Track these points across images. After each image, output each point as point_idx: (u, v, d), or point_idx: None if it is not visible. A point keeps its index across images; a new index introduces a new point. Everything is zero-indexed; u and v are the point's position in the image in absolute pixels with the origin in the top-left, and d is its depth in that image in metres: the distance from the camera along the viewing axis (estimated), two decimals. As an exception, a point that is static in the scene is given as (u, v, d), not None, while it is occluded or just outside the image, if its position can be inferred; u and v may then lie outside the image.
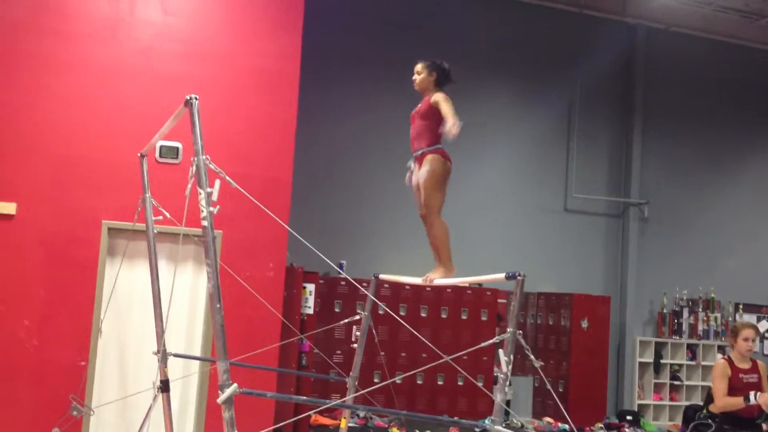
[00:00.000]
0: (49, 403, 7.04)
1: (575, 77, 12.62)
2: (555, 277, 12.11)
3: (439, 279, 5.24)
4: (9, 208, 7.21)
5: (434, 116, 5.20)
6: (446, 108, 5.05)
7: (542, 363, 4.28)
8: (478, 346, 4.30)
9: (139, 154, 6.05)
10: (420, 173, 5.26)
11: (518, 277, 3.97)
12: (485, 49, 12.14)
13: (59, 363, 7.28)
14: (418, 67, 5.56)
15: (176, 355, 6.07)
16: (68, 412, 6.31)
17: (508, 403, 4.04)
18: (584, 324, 11.44)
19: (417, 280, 5.49)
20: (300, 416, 6.23)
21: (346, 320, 6.71)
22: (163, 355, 5.81)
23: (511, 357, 3.95)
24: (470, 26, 12.06)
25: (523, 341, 3.90)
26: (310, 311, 9.36)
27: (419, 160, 5.29)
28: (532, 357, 4.05)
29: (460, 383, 10.29)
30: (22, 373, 7.18)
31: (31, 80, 7.42)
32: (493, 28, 12.21)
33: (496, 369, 10.25)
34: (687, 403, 11.01)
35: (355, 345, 6.53)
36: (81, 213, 7.46)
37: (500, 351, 3.94)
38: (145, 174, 6.15)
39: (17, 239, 7.25)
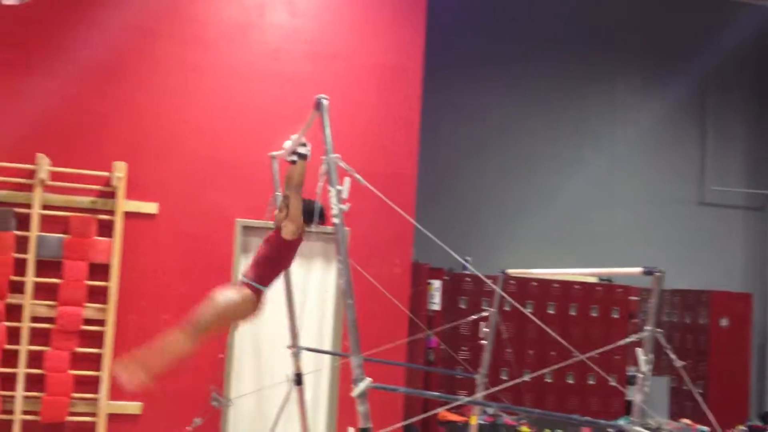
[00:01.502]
0: (190, 394, 7.36)
1: (708, 62, 12.03)
2: (690, 273, 11.58)
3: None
4: (151, 207, 7.60)
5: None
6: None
7: (684, 363, 4.11)
8: (617, 344, 4.18)
9: (269, 154, 6.22)
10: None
11: (656, 273, 3.84)
12: (611, 33, 11.77)
13: (198, 356, 7.52)
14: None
15: (309, 350, 6.21)
16: (209, 403, 6.58)
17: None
18: (723, 322, 10.90)
19: (546, 272, 5.39)
20: (431, 412, 6.25)
21: (475, 316, 6.66)
22: (296, 350, 5.96)
23: (650, 356, 3.82)
24: (595, 11, 11.73)
25: (663, 340, 3.77)
26: (437, 307, 9.36)
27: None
28: (673, 357, 3.90)
29: (591, 382, 10.03)
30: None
31: (167, 85, 7.78)
32: (619, 11, 11.82)
33: (628, 368, 9.92)
34: (839, 408, 10.31)
35: (482, 341, 6.48)
36: (216, 211, 7.76)
37: (639, 350, 3.81)
38: (276, 173, 6.33)
39: (159, 237, 7.62)
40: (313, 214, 4.99)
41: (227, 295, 4.96)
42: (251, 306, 5.01)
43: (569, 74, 11.63)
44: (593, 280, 10.48)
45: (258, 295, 5.02)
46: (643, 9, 11.91)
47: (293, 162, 5.17)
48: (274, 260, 5.14)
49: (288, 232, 5.01)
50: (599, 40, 11.71)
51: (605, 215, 11.54)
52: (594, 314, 10.42)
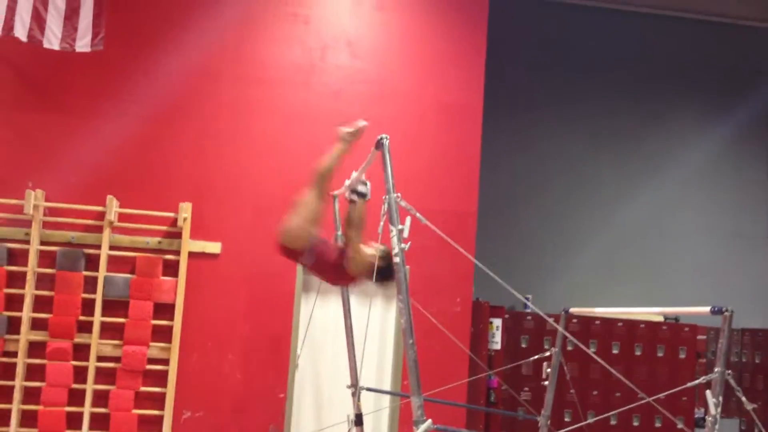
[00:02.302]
0: (251, 432, 7.40)
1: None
2: (760, 311, 11.24)
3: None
4: (215, 247, 7.73)
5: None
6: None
7: (755, 405, 3.97)
8: (684, 386, 4.06)
9: (331, 194, 6.29)
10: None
11: (725, 313, 3.74)
12: (673, 67, 11.68)
13: (260, 395, 7.65)
14: None
15: (369, 390, 6.19)
16: (269, 442, 6.60)
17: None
18: (797, 363, 10.52)
19: (610, 311, 5.29)
20: (492, 454, 6.16)
21: (537, 356, 6.56)
22: (357, 390, 5.95)
23: (720, 399, 3.70)
24: (655, 43, 11.65)
25: (733, 382, 3.66)
26: (498, 347, 9.26)
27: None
28: (744, 399, 3.77)
29: (657, 425, 9.74)
30: (227, 404, 7.60)
31: (231, 126, 7.95)
32: (680, 42, 11.72)
33: (697, 410, 9.62)
34: None
35: (545, 382, 6.37)
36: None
37: (708, 392, 3.70)
38: (337, 212, 6.40)
39: (222, 277, 7.74)
40: (380, 272, 4.69)
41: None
42: (295, 239, 4.90)
43: (631, 107, 11.55)
44: (659, 318, 10.24)
45: (302, 246, 4.90)
46: (704, 38, 11.78)
47: (352, 201, 5.18)
48: (328, 271, 5.08)
49: (353, 266, 4.90)
50: (660, 71, 11.63)
51: (670, 250, 11.33)
52: (660, 354, 10.16)
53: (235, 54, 8.05)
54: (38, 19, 6.86)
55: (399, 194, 4.07)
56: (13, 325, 7.26)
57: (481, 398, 8.86)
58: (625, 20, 11.57)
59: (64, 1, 6.95)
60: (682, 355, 10.22)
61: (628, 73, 11.56)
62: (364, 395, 6.29)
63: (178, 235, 7.62)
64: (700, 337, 10.56)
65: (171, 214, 7.63)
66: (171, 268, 7.60)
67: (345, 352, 6.29)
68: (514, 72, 10.98)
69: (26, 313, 7.25)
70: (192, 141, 7.89)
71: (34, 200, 7.32)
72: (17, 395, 7.16)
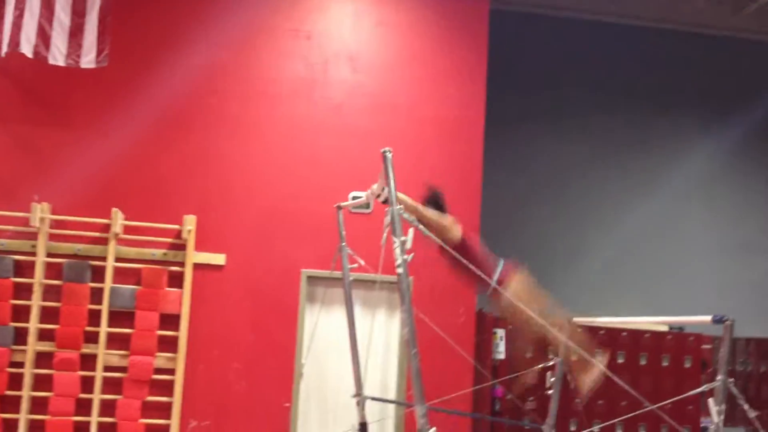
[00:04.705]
0: (257, 443, 7.42)
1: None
2: (767, 320, 11.23)
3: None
4: (219, 259, 7.79)
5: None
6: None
7: (758, 413, 4.00)
8: (686, 395, 4.09)
9: (335, 205, 6.34)
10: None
11: (726, 322, 3.77)
12: (672, 79, 11.71)
13: (265, 404, 7.68)
14: None
15: (374, 399, 6.22)
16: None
17: (718, 456, 3.80)
18: (802, 371, 10.50)
19: (614, 320, 5.33)
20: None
21: (540, 366, 6.58)
22: (361, 399, 5.98)
23: (723, 407, 3.73)
24: (654, 59, 11.69)
25: (735, 390, 3.68)
26: (502, 356, 9.25)
27: None
28: (746, 406, 3.80)
29: (662, 433, 9.73)
30: (233, 413, 7.64)
31: (234, 140, 8.02)
32: (680, 58, 11.76)
33: (703, 419, 9.61)
34: None
35: (549, 392, 6.39)
36: (282, 263, 7.90)
37: (710, 400, 3.73)
38: (341, 224, 6.43)
39: (227, 288, 7.79)
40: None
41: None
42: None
43: (631, 120, 11.57)
44: (663, 328, 10.24)
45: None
46: (703, 50, 11.80)
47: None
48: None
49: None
50: (660, 83, 11.64)
51: (674, 260, 11.32)
52: (665, 363, 10.15)
53: (238, 69, 8.13)
54: (43, 36, 6.94)
55: (402, 206, 4.12)
56: (21, 336, 7.33)
57: (486, 408, 8.85)
58: (624, 34, 11.59)
59: (69, 19, 7.02)
60: (688, 365, 10.19)
61: (628, 85, 11.58)
62: (369, 404, 6.30)
63: (182, 247, 7.68)
64: (705, 346, 10.54)
65: (176, 227, 7.69)
66: (176, 280, 7.65)
67: (349, 362, 6.32)
68: (514, 87, 11.00)
69: (33, 324, 7.31)
70: (196, 154, 7.96)
71: (40, 213, 7.39)
72: (25, 405, 7.21)
